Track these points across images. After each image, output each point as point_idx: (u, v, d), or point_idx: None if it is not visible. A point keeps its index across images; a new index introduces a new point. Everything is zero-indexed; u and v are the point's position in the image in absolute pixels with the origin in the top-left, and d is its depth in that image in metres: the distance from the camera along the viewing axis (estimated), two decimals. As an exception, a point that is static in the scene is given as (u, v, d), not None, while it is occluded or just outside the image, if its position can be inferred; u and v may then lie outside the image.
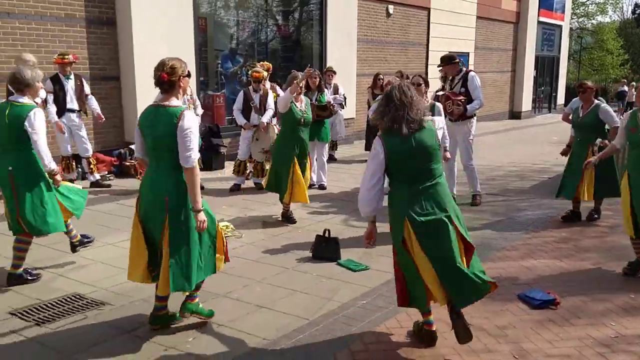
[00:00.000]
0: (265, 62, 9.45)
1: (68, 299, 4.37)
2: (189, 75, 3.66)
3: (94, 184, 8.36)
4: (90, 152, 8.36)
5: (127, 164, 9.28)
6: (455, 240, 3.44)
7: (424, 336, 3.73)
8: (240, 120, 8.36)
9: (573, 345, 3.76)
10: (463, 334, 3.47)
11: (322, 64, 12.97)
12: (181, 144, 3.46)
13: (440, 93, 7.50)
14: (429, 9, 16.81)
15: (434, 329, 3.70)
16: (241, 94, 8.51)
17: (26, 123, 4.46)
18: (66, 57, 7.80)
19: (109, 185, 8.48)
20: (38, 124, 4.49)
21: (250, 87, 8.45)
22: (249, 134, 8.34)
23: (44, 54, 8.29)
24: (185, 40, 10.02)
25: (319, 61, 13.32)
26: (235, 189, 8.41)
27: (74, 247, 5.23)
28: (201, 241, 3.71)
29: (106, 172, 8.98)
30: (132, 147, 9.46)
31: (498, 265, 5.30)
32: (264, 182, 7.02)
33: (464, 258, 3.50)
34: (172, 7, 9.75)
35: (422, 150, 3.44)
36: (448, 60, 7.55)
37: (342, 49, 13.49)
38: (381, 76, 11.05)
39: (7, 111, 4.53)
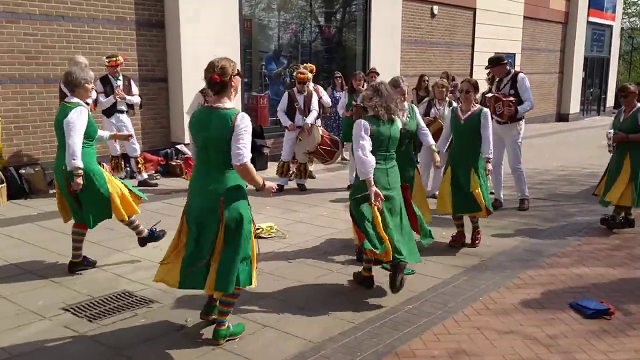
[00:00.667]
0: (309, 64, 9.47)
1: (118, 296, 4.46)
2: (239, 74, 3.65)
3: (142, 183, 8.53)
4: (139, 152, 8.54)
5: (173, 163, 9.45)
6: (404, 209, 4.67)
7: (363, 280, 4.75)
8: (285, 121, 8.39)
9: (628, 358, 3.62)
10: (396, 284, 4.35)
11: (365, 65, 12.92)
12: (234, 143, 3.46)
13: (489, 95, 7.35)
14: (474, 9, 16.55)
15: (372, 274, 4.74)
16: (285, 95, 8.55)
17: (65, 120, 4.59)
18: (115, 59, 7.99)
19: (155, 185, 8.65)
20: (73, 121, 4.57)
21: (295, 89, 8.47)
22: (293, 135, 8.36)
23: (95, 55, 8.51)
24: (231, 42, 10.14)
25: (362, 62, 13.28)
26: (279, 190, 8.44)
27: (142, 241, 5.27)
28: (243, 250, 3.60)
29: (153, 172, 9.17)
30: (179, 147, 9.64)
31: (548, 272, 5.16)
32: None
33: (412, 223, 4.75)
34: (218, 9, 9.88)
35: (394, 137, 4.55)
36: (496, 62, 7.40)
37: (385, 50, 13.41)
38: (426, 77, 10.91)
39: (58, 111, 4.76)
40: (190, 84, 9.40)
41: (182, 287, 3.66)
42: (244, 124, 3.48)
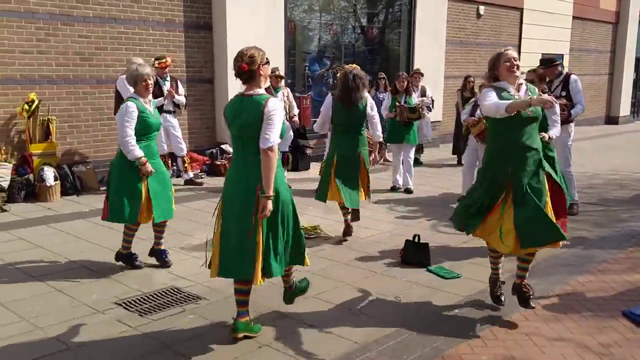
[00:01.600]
0: (354, 64, 9.45)
1: (167, 292, 4.57)
2: (267, 62, 3.65)
3: (188, 182, 8.70)
4: (185, 151, 8.72)
5: (218, 163, 9.60)
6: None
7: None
8: None
9: (687, 370, 3.50)
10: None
11: (410, 66, 12.84)
12: (263, 127, 3.46)
13: None
14: (521, 10, 16.24)
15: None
16: (329, 96, 8.54)
17: (118, 115, 4.75)
18: (164, 60, 8.18)
19: (201, 184, 8.80)
20: (120, 114, 4.70)
21: None
22: None
23: (145, 57, 8.66)
24: (276, 43, 10.23)
25: (406, 63, 13.20)
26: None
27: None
28: (292, 231, 3.73)
29: (198, 171, 9.34)
30: (223, 147, 9.79)
31: (599, 278, 5.03)
32: None
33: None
34: (264, 11, 9.99)
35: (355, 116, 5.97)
36: (548, 63, 7.24)
37: (430, 51, 13.29)
38: (471, 78, 10.78)
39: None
40: (236, 86, 9.46)
41: (219, 276, 3.71)
42: (274, 108, 3.48)
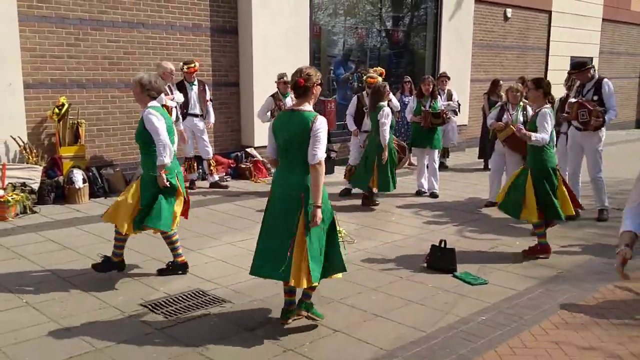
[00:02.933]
0: (379, 68, 9.42)
1: (192, 295, 4.59)
2: (321, 84, 3.91)
3: (213, 185, 8.76)
4: (211, 155, 8.78)
5: (243, 166, 9.65)
6: None
7: None
8: (351, 125, 8.39)
9: None
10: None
11: (435, 69, 12.75)
12: (311, 144, 3.74)
13: (573, 100, 7.05)
14: (550, 12, 16.00)
15: None
16: (354, 99, 8.54)
17: (145, 124, 4.71)
18: (193, 65, 8.25)
19: (226, 187, 8.85)
20: (150, 122, 4.65)
21: (364, 92, 8.46)
22: (360, 139, 8.35)
23: (173, 61, 8.79)
24: (301, 47, 10.26)
25: (432, 67, 13.11)
26: (345, 194, 8.47)
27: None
28: (331, 239, 3.95)
29: (224, 174, 9.39)
30: (248, 150, 9.83)
31: (629, 284, 4.90)
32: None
33: None
34: (289, 16, 10.02)
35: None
36: (580, 67, 7.09)
37: (456, 54, 13.18)
38: (501, 82, 10.65)
39: (142, 117, 4.89)
40: (261, 89, 9.58)
41: (255, 275, 3.98)
42: (321, 126, 3.76)
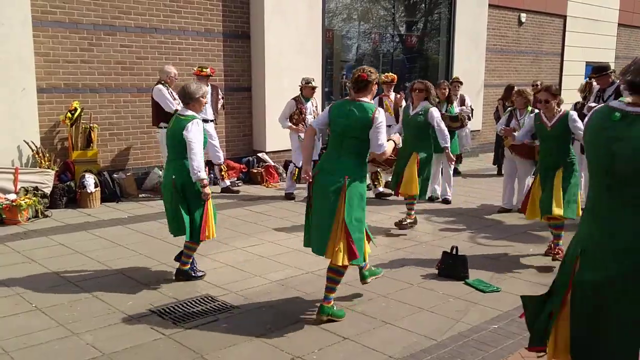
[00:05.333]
0: (390, 74, 9.36)
1: (201, 300, 4.57)
2: (378, 84, 4.33)
3: (224, 190, 8.75)
4: (222, 160, 8.77)
5: (255, 171, 9.64)
6: None
7: None
8: None
9: None
10: None
11: (449, 74, 12.67)
12: (374, 135, 4.09)
13: (593, 104, 6.94)
14: (564, 17, 15.85)
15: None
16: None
17: (184, 133, 4.70)
18: (204, 69, 8.27)
19: (237, 192, 8.84)
20: (193, 133, 4.69)
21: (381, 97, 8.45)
22: None
23: (185, 66, 8.85)
24: (314, 52, 10.24)
25: (445, 72, 13.03)
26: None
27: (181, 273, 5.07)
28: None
29: (235, 179, 9.38)
30: (260, 155, 9.82)
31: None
32: None
33: None
34: (302, 20, 10.01)
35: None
36: (600, 71, 6.99)
37: (469, 59, 13.10)
38: (516, 87, 10.54)
39: (172, 124, 4.88)
40: (273, 94, 9.58)
41: (306, 246, 4.31)
42: (382, 118, 4.11)
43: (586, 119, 2.60)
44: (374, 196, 8.53)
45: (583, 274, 2.49)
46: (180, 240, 5.12)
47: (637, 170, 2.30)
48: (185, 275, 5.00)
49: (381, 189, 8.57)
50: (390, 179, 7.58)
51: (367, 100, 4.19)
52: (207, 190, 4.76)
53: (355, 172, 4.11)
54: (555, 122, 5.60)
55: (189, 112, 4.86)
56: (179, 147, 4.78)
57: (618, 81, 7.00)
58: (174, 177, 4.80)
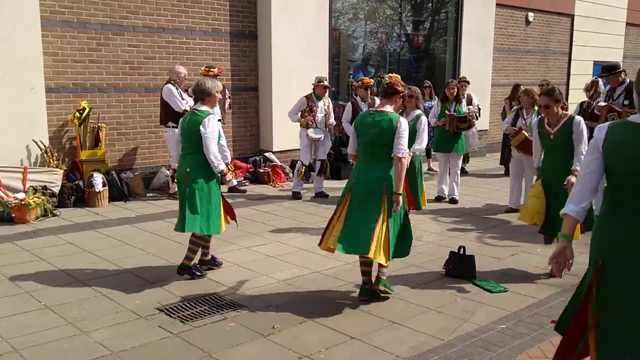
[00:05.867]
0: (394, 74, 9.33)
1: (208, 299, 4.58)
2: (404, 97, 4.76)
3: (232, 189, 8.76)
4: (229, 159, 8.79)
5: (261, 171, 9.65)
6: None
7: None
8: (349, 132, 8.34)
9: None
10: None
11: (456, 73, 12.64)
12: (396, 140, 4.37)
13: (602, 104, 6.90)
14: (572, 16, 15.78)
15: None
16: (349, 105, 8.57)
17: (201, 127, 4.80)
18: (212, 69, 8.29)
19: (244, 191, 8.86)
20: (210, 128, 4.83)
21: (358, 98, 8.47)
22: None
23: (192, 65, 8.87)
24: (320, 52, 10.25)
25: (452, 71, 13.01)
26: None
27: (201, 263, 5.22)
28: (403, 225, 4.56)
29: (242, 178, 9.40)
30: (267, 155, 9.83)
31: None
32: None
33: None
34: (309, 20, 10.02)
35: None
36: (610, 70, 6.95)
37: (476, 59, 13.06)
38: (522, 87, 10.52)
39: (187, 118, 4.97)
40: (280, 93, 9.59)
41: (346, 252, 4.37)
42: (405, 126, 4.42)
43: (599, 131, 2.56)
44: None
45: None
46: (184, 237, 5.14)
47: None
48: (188, 271, 5.05)
49: None
50: None
51: (391, 110, 4.49)
52: (229, 176, 4.94)
53: (391, 177, 4.40)
54: (559, 129, 5.21)
55: (204, 108, 4.95)
56: (194, 142, 4.87)
57: (628, 80, 6.97)
58: (188, 170, 4.87)
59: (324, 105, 8.40)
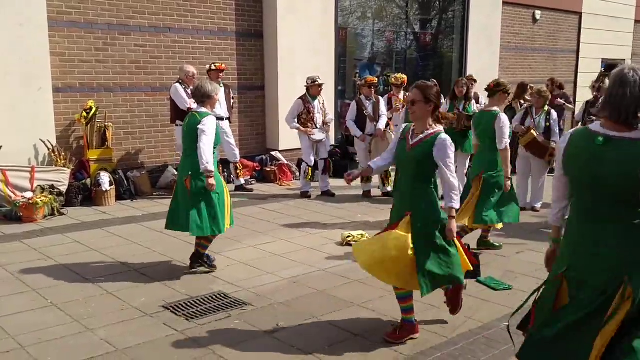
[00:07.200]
0: (400, 75, 9.32)
1: (214, 297, 4.61)
2: (505, 93, 5.73)
3: (239, 188, 8.79)
4: (238, 158, 8.81)
5: (268, 170, 9.67)
6: None
7: None
8: (356, 131, 8.37)
9: None
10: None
11: (463, 72, 12.62)
12: (498, 135, 5.46)
13: None
14: (580, 14, 15.71)
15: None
16: (353, 104, 8.57)
17: (199, 126, 4.82)
18: (216, 64, 8.26)
19: (251, 190, 8.88)
20: (207, 127, 4.82)
21: (362, 97, 8.47)
22: (364, 144, 8.37)
23: (198, 65, 8.88)
24: (327, 51, 10.27)
25: (459, 69, 12.98)
26: (367, 195, 8.49)
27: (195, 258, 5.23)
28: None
29: (248, 177, 9.42)
30: (273, 154, 9.85)
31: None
32: None
33: None
34: (315, 19, 10.04)
35: None
36: (613, 68, 6.91)
37: (483, 57, 13.03)
38: (531, 85, 10.48)
39: (187, 120, 5.00)
40: (287, 93, 9.60)
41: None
42: (506, 122, 5.40)
43: (563, 141, 2.67)
44: (381, 195, 8.54)
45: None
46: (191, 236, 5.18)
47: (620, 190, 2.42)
48: (200, 259, 5.15)
49: (389, 188, 8.55)
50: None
51: (495, 108, 5.55)
52: (212, 181, 4.83)
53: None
54: (417, 142, 4.18)
55: (203, 109, 4.98)
56: (194, 143, 4.88)
57: None
58: (190, 173, 4.89)
59: (320, 104, 8.42)
